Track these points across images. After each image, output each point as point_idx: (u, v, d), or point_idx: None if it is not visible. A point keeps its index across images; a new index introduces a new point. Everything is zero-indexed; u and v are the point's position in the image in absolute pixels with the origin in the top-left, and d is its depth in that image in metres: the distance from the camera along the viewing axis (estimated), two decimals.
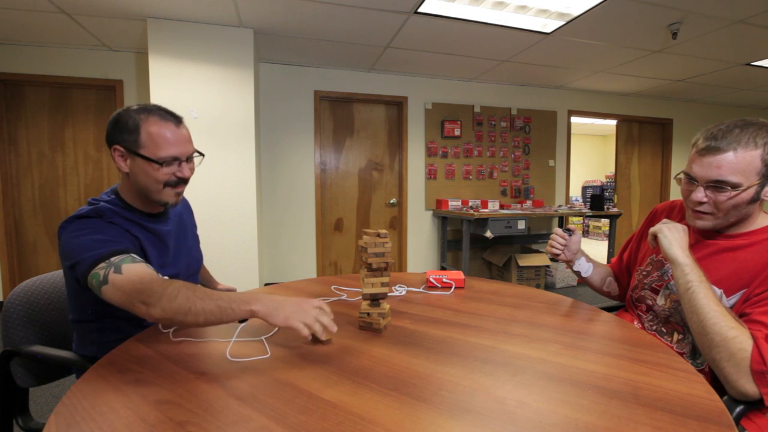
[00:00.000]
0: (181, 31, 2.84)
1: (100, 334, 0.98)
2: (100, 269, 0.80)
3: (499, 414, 0.58)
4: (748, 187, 0.84)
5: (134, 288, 0.77)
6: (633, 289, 1.13)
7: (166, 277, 0.83)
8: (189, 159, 1.00)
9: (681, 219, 1.05)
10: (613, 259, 1.30)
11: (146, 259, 0.96)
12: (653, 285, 1.05)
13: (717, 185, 0.86)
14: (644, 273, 1.10)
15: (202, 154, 1.05)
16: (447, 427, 0.55)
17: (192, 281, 1.11)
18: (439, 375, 0.70)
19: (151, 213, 1.04)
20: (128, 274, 0.79)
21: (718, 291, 0.89)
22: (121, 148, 0.94)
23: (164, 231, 1.05)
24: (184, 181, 1.00)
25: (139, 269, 0.81)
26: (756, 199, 0.86)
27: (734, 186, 0.84)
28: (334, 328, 0.78)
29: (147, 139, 0.92)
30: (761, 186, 0.85)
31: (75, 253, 0.84)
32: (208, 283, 1.37)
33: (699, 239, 0.98)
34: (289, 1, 2.54)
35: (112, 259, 0.81)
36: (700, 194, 0.89)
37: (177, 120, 0.98)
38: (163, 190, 0.97)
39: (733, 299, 0.87)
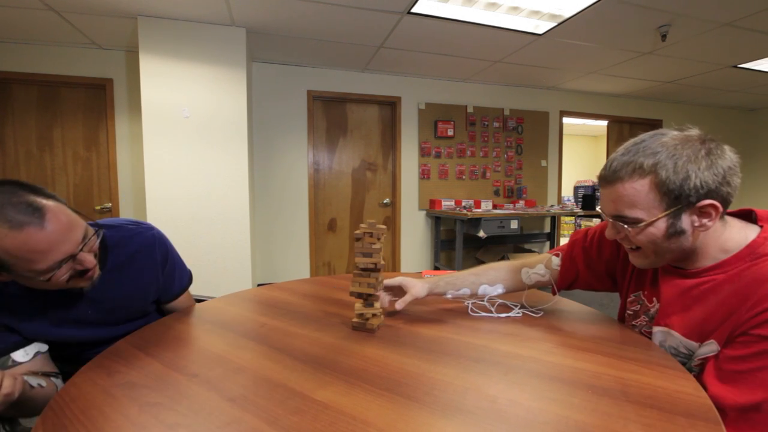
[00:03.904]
0: (172, 30, 2.82)
1: None
2: None
3: (490, 413, 0.58)
4: (653, 221, 0.70)
5: None
6: (627, 317, 0.96)
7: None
8: (84, 245, 0.75)
9: None
10: (575, 252, 0.99)
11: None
12: (642, 330, 0.90)
13: (619, 220, 0.74)
14: (631, 313, 0.92)
15: (98, 227, 0.80)
16: (439, 427, 0.55)
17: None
18: (432, 374, 0.70)
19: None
20: None
21: (694, 343, 0.74)
22: None
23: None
24: (88, 269, 0.77)
25: None
26: (678, 232, 0.70)
27: (633, 222, 0.71)
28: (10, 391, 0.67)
29: (10, 259, 0.67)
30: (674, 216, 0.69)
31: None
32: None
33: (662, 276, 0.82)
34: (281, 0, 2.53)
35: None
36: (609, 230, 0.77)
37: (39, 215, 0.67)
38: (67, 284, 0.76)
39: (705, 347, 0.72)
